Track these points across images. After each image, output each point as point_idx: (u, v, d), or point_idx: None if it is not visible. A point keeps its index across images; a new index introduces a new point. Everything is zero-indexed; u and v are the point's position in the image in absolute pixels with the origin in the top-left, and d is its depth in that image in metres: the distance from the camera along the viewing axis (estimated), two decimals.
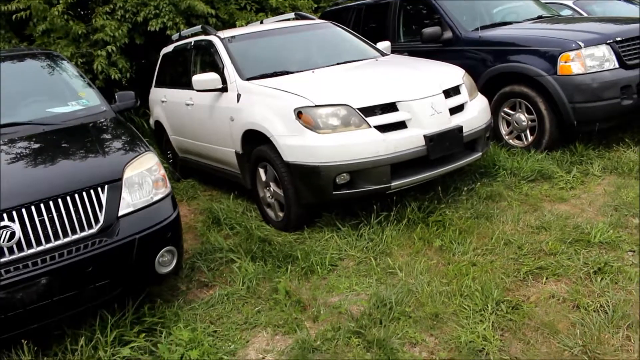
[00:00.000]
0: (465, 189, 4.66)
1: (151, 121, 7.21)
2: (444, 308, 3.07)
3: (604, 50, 5.21)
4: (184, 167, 6.48)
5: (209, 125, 5.32)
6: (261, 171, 4.63)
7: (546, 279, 3.29)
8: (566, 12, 8.36)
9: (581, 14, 8.30)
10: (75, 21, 7.81)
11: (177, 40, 6.83)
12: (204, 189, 6.10)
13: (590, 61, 5.17)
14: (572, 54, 5.18)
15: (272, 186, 4.51)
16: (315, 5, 9.88)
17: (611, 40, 5.25)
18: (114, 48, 7.64)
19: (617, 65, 5.21)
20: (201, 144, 5.62)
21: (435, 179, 4.44)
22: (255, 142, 4.60)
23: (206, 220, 4.93)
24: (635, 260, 3.38)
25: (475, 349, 2.71)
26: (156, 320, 3.30)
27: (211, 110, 5.21)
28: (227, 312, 3.41)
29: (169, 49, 6.84)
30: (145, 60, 9.21)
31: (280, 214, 4.53)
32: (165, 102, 6.51)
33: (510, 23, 6.39)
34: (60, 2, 7.46)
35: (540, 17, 6.65)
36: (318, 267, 3.72)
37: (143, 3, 8.09)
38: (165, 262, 3.35)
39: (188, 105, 5.73)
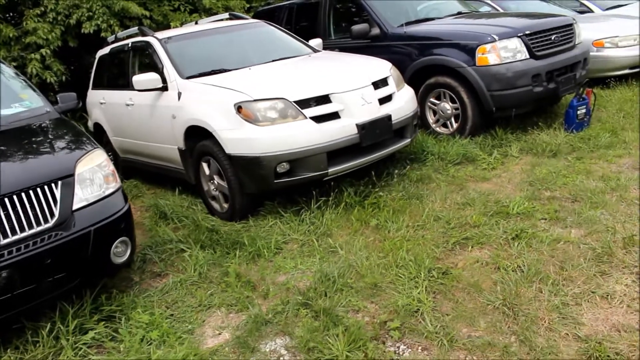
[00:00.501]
0: (397, 173, 5.03)
1: (90, 124, 7.23)
2: (382, 278, 3.39)
3: (516, 43, 5.70)
4: (125, 167, 6.56)
5: (150, 124, 5.47)
6: (204, 165, 4.84)
7: (471, 247, 3.67)
8: (485, 9, 8.91)
9: (497, 10, 8.86)
10: (4, 24, 7.74)
11: (112, 42, 6.91)
12: (147, 187, 6.23)
13: (504, 52, 5.65)
14: (488, 46, 5.64)
15: (216, 179, 4.73)
16: (248, 6, 10.09)
17: (522, 34, 5.75)
18: (48, 51, 7.64)
19: (527, 56, 5.72)
20: (143, 143, 5.75)
21: (368, 164, 4.77)
22: (197, 137, 4.80)
23: (153, 216, 5.09)
24: (546, 225, 3.82)
25: (412, 310, 3.04)
26: (114, 309, 3.46)
27: (152, 109, 5.36)
28: (181, 297, 3.61)
29: (105, 51, 6.90)
30: (79, 63, 9.18)
31: (225, 205, 4.75)
32: (104, 103, 6.58)
33: (433, 19, 6.82)
34: None
35: (459, 13, 7.13)
36: (265, 250, 3.97)
37: (75, 5, 8.12)
38: (119, 252, 3.52)
39: (128, 105, 5.84)
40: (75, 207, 3.35)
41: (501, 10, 8.84)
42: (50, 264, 3.16)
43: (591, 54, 6.96)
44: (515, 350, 2.64)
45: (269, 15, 8.16)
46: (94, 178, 3.52)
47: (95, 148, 3.73)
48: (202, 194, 5.05)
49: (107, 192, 3.55)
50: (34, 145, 3.74)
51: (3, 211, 3.10)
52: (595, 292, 3.00)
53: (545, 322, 2.81)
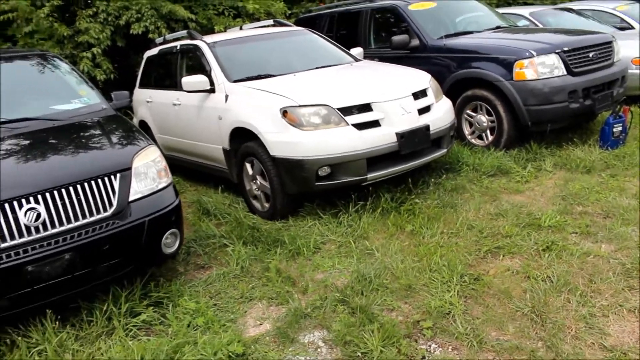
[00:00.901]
0: (433, 181, 5.20)
1: (135, 121, 7.53)
2: (416, 281, 3.56)
3: (553, 59, 5.82)
4: (169, 164, 6.78)
5: (196, 124, 5.72)
6: (248, 166, 5.07)
7: (503, 256, 3.83)
8: (523, 23, 9.01)
9: (536, 25, 8.95)
10: (59, 23, 8.10)
11: (161, 44, 7.19)
12: (189, 184, 6.48)
13: (542, 68, 5.77)
14: (525, 61, 5.77)
15: (259, 179, 4.95)
16: (289, 12, 10.32)
17: (560, 50, 5.86)
18: (98, 50, 7.96)
19: (565, 73, 5.84)
20: (188, 142, 6.00)
21: (406, 172, 4.95)
22: (242, 139, 5.03)
23: (196, 212, 5.33)
24: (577, 239, 3.94)
25: (444, 312, 3.21)
26: (162, 295, 3.69)
27: (199, 110, 5.62)
28: (224, 289, 3.83)
29: (153, 52, 7.19)
30: (125, 62, 9.51)
31: (266, 205, 4.97)
32: (150, 102, 6.86)
33: (471, 32, 6.96)
34: (46, 5, 7.74)
35: (498, 27, 7.26)
36: (304, 249, 4.17)
37: (125, 7, 8.43)
38: (169, 243, 3.76)
39: (175, 105, 6.11)
40: (131, 198, 3.59)
41: (540, 26, 8.92)
42: (107, 250, 3.41)
43: (630, 71, 7.04)
44: (542, 355, 2.79)
45: (310, 23, 8.38)
46: (148, 172, 3.76)
47: (149, 144, 3.98)
48: (243, 193, 5.28)
49: (160, 186, 3.79)
50: (95, 140, 4.01)
51: (68, 199, 3.36)
52: (623, 305, 3.13)
53: (572, 330, 2.95)
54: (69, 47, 8.17)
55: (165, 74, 6.82)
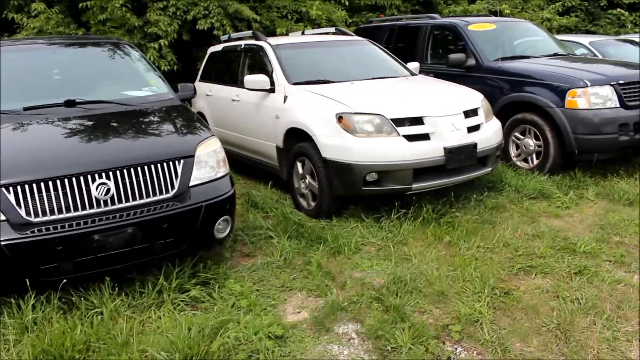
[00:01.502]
0: (474, 198, 5.36)
1: None
2: (448, 288, 3.75)
3: (607, 91, 5.91)
4: None
5: (253, 120, 6.02)
6: (299, 165, 5.33)
7: (535, 275, 3.98)
8: (581, 51, 9.04)
9: (596, 55, 8.97)
10: (131, 13, 8.55)
11: (225, 42, 7.54)
12: (240, 177, 6.77)
13: (594, 99, 5.87)
14: (579, 90, 5.88)
15: (308, 178, 5.21)
16: (350, 20, 10.58)
17: (615, 82, 5.95)
18: (165, 42, 8.37)
19: (617, 105, 5.91)
20: (243, 137, 6.31)
21: (449, 186, 5.13)
22: (296, 139, 5.30)
23: (244, 204, 5.61)
24: (610, 267, 4.06)
25: (472, 320, 3.39)
26: (209, 276, 3.97)
27: (257, 107, 5.92)
28: (267, 277, 4.08)
29: (217, 48, 7.54)
30: (187, 55, 9.92)
31: (312, 204, 5.22)
32: (210, 95, 7.21)
33: (528, 57, 7.07)
34: None
35: (555, 54, 7.35)
36: (345, 248, 4.40)
37: (193, 3, 8.84)
38: (221, 229, 4.04)
39: (234, 101, 6.44)
40: (191, 183, 3.88)
41: (599, 56, 8.94)
42: (165, 229, 3.70)
43: None
44: None
45: (370, 33, 8.60)
46: (208, 161, 4.05)
47: (212, 135, 4.27)
48: (292, 190, 5.54)
49: (218, 175, 4.08)
50: (162, 126, 4.34)
51: (135, 178, 3.67)
52: None
53: (594, 350, 3.09)
54: (137, 37, 8.61)
55: (226, 71, 7.15)
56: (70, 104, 4.37)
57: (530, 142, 6.30)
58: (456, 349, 3.16)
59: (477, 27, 7.30)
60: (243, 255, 4.53)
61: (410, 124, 4.80)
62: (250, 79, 5.69)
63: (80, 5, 8.22)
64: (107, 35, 8.36)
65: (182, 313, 3.54)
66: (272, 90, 5.68)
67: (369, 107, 4.84)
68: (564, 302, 3.56)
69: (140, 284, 3.82)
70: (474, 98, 5.41)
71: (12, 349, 3.17)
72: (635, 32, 14.64)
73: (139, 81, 5.17)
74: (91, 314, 3.44)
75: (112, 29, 8.64)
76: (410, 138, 4.75)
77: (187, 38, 9.14)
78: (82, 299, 3.56)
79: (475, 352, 3.13)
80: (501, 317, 3.44)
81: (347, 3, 10.53)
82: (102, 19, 8.36)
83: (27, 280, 3.36)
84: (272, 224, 4.97)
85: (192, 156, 3.95)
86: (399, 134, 4.73)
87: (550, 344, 3.15)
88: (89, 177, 3.54)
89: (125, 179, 3.64)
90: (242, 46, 6.74)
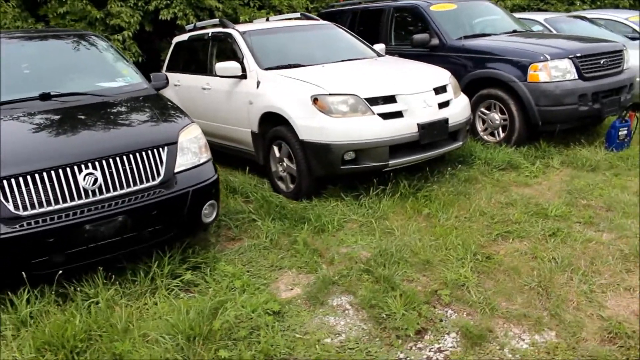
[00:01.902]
0: (448, 171, 5.55)
1: None
2: (433, 256, 3.92)
3: (566, 64, 6.18)
4: None
5: (226, 107, 6.07)
6: (275, 149, 5.42)
7: (512, 239, 4.19)
8: (537, 28, 9.32)
9: (550, 31, 9.27)
10: (91, 5, 8.43)
11: (190, 31, 7.51)
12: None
13: (555, 72, 6.12)
14: (540, 64, 6.12)
15: (286, 161, 5.30)
16: (312, 6, 10.65)
17: (573, 56, 6.21)
18: (129, 34, 8.28)
19: (576, 77, 6.20)
20: (216, 125, 6.34)
21: (423, 161, 5.31)
22: (271, 123, 5.38)
23: (223, 190, 5.63)
24: (580, 228, 4.30)
25: (459, 284, 3.56)
26: (200, 261, 4.04)
27: (229, 94, 5.97)
28: (255, 258, 4.17)
29: (183, 37, 7.51)
30: (149, 46, 9.83)
31: (291, 186, 5.32)
32: (178, 86, 7.19)
33: (489, 35, 7.29)
34: None
35: (514, 31, 7.59)
36: (329, 226, 4.53)
37: None
38: (207, 214, 4.10)
39: (204, 89, 6.46)
40: (176, 170, 3.94)
41: (554, 32, 9.24)
42: (154, 215, 3.76)
43: (638, 79, 7.36)
44: (547, 322, 3.14)
45: (332, 17, 8.65)
46: (191, 147, 4.11)
47: (192, 122, 4.33)
48: (269, 174, 5.63)
49: (202, 161, 4.15)
50: (143, 115, 4.37)
51: (121, 167, 3.71)
52: (620, 284, 3.48)
53: (574, 303, 3.30)
54: (99, 29, 8.48)
55: (194, 60, 7.15)
56: (45, 97, 4.34)
57: (496, 117, 6.53)
58: (447, 311, 3.32)
59: (439, 7, 7.48)
60: (229, 240, 4.60)
61: (383, 103, 4.94)
62: (221, 66, 5.73)
63: None
64: (67, 28, 8.22)
65: (177, 298, 3.61)
66: (243, 76, 5.73)
67: (343, 88, 4.96)
68: (542, 262, 3.77)
69: (131, 272, 3.86)
70: (442, 75, 5.58)
71: (10, 344, 3.18)
72: (584, 9, 15.11)
73: (112, 72, 5.16)
74: (87, 304, 3.47)
75: (72, 22, 8.49)
76: (385, 116, 4.89)
77: (149, 29, 9.06)
78: (76, 290, 3.58)
79: (465, 313, 3.30)
80: (485, 280, 3.63)
81: None
82: (62, 12, 8.20)
83: (22, 273, 3.36)
84: (253, 207, 5.05)
85: (175, 143, 4.00)
86: (373, 113, 4.87)
87: (533, 301, 3.35)
88: (76, 167, 3.56)
89: (111, 168, 3.68)
90: (210, 34, 6.75)
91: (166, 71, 7.73)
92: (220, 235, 4.67)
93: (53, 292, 3.53)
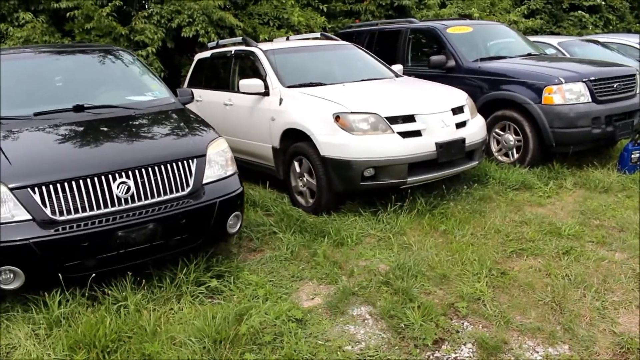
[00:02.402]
0: (463, 189, 5.69)
1: None
2: (449, 271, 4.05)
3: (580, 87, 6.32)
4: None
5: (248, 123, 6.25)
6: (296, 164, 5.58)
7: (526, 256, 4.32)
8: (551, 51, 9.49)
9: (564, 54, 9.44)
10: (117, 22, 8.69)
11: (212, 48, 7.74)
12: None
13: (569, 95, 6.27)
14: (554, 87, 6.27)
15: (306, 176, 5.46)
16: (329, 25, 10.89)
17: (586, 79, 6.37)
18: (153, 50, 8.53)
19: (590, 100, 6.34)
20: (237, 140, 6.51)
21: (440, 179, 5.45)
22: (292, 139, 5.55)
23: (244, 203, 5.81)
24: (593, 247, 4.42)
25: (475, 297, 3.69)
26: (223, 269, 4.19)
27: (251, 110, 6.15)
28: (277, 269, 4.31)
29: (205, 54, 7.74)
30: (170, 62, 10.08)
31: (311, 201, 5.47)
32: (200, 101, 7.39)
33: (504, 57, 7.46)
34: (109, 5, 8.34)
35: (529, 54, 7.76)
36: (348, 239, 4.67)
37: (177, 11, 9.02)
38: (232, 224, 4.26)
39: (227, 105, 6.65)
40: (204, 181, 4.11)
41: (567, 55, 9.41)
42: (183, 224, 3.91)
43: None
44: (560, 336, 3.26)
45: (349, 38, 8.89)
46: (218, 160, 4.28)
47: (219, 136, 4.50)
48: (289, 188, 5.78)
49: (228, 174, 4.32)
50: (173, 128, 4.54)
51: (153, 177, 3.88)
52: (632, 302, 3.60)
53: (587, 318, 3.42)
54: (123, 45, 8.73)
55: (216, 76, 7.35)
56: (78, 109, 4.54)
57: (511, 137, 6.67)
58: (463, 323, 3.45)
59: (455, 30, 7.67)
60: (250, 251, 4.75)
61: (403, 122, 5.10)
62: (244, 83, 5.92)
63: (67, 14, 8.31)
64: (93, 43, 8.48)
65: (202, 304, 3.75)
66: (266, 93, 5.91)
67: (364, 107, 5.13)
68: (555, 278, 3.89)
69: (157, 278, 4.02)
70: (459, 96, 5.75)
71: (43, 342, 3.34)
72: (597, 33, 15.30)
73: (141, 87, 5.36)
74: (117, 307, 3.62)
75: (97, 37, 8.75)
76: (404, 135, 5.05)
77: (171, 45, 9.30)
78: (105, 294, 3.74)
79: (480, 325, 3.42)
80: (500, 295, 3.75)
81: (325, 9, 10.84)
82: (88, 27, 8.46)
83: (59, 275, 3.53)
84: (274, 220, 5.20)
85: (204, 155, 4.18)
86: (393, 131, 5.03)
87: (547, 315, 3.47)
88: (110, 176, 3.73)
89: (143, 178, 3.85)
90: (232, 52, 6.95)
91: (187, 87, 7.96)
92: (241, 247, 4.82)
93: (86, 295, 3.68)
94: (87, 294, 3.75)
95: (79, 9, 8.28)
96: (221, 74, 7.20)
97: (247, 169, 6.68)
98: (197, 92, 7.49)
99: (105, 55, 5.61)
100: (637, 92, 6.92)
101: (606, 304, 3.57)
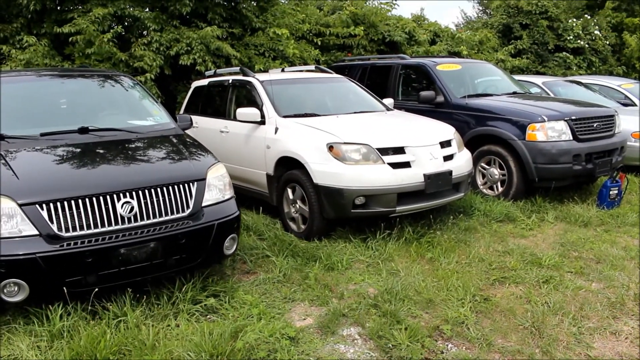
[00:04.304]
0: (450, 220, 5.92)
1: None
2: (435, 296, 4.25)
3: (562, 125, 6.64)
4: None
5: (243, 150, 6.47)
6: (289, 191, 5.79)
7: (508, 284, 4.53)
8: (535, 90, 9.87)
9: (548, 94, 9.82)
10: (117, 48, 8.93)
11: (210, 76, 7.98)
12: None
13: (551, 132, 6.58)
14: (537, 125, 6.58)
15: (299, 203, 5.66)
16: (322, 58, 11.22)
17: (568, 118, 6.69)
18: (151, 76, 8.76)
19: (571, 138, 6.66)
20: (232, 166, 6.70)
21: (428, 209, 5.68)
22: (286, 167, 5.77)
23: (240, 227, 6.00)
24: (572, 277, 4.65)
25: (459, 321, 3.89)
26: (219, 289, 4.36)
27: (247, 138, 6.38)
28: (269, 290, 4.48)
29: (202, 82, 7.97)
30: (166, 89, 10.31)
31: (302, 226, 5.67)
32: (196, 127, 7.58)
33: (490, 95, 7.78)
34: (111, 31, 8.60)
35: (515, 92, 8.10)
36: (339, 264, 4.86)
37: (176, 39, 9.28)
38: (228, 246, 4.44)
39: (222, 132, 6.88)
40: (204, 204, 4.30)
41: (551, 94, 9.78)
42: (182, 244, 4.08)
43: (629, 143, 7.87)
44: (539, 358, 3.46)
45: (342, 71, 9.18)
46: (217, 184, 4.48)
47: (218, 161, 4.71)
48: (281, 214, 5.98)
49: (226, 197, 4.51)
50: (174, 152, 4.74)
51: (155, 198, 4.07)
52: (607, 328, 3.81)
53: (564, 342, 3.62)
54: (122, 70, 8.95)
55: (213, 103, 7.58)
56: (83, 130, 4.73)
57: (495, 171, 6.95)
58: (447, 345, 3.64)
59: (445, 67, 8.00)
60: (244, 272, 4.92)
61: (393, 153, 5.34)
62: (242, 111, 6.15)
63: (70, 39, 8.54)
64: (94, 67, 8.68)
65: (198, 322, 3.91)
66: (262, 122, 6.14)
67: (357, 138, 5.37)
68: (535, 305, 4.11)
69: (155, 296, 4.17)
70: (447, 130, 6.02)
71: (44, 353, 3.47)
72: (580, 74, 15.84)
73: (143, 111, 5.58)
74: (116, 322, 3.77)
75: (96, 62, 8.97)
76: (394, 165, 5.29)
77: (168, 72, 9.54)
78: (105, 309, 3.88)
79: (464, 347, 3.61)
80: (483, 319, 3.95)
81: (318, 42, 11.19)
82: (89, 52, 8.68)
83: (64, 289, 3.68)
84: (266, 244, 5.38)
85: (204, 179, 4.37)
86: (384, 162, 5.27)
87: (527, 339, 3.67)
88: (115, 196, 3.91)
89: (146, 199, 4.03)
90: (230, 81, 7.19)
91: (184, 113, 8.17)
92: (235, 269, 4.99)
93: (88, 309, 3.83)
94: (88, 309, 3.89)
95: (81, 34, 8.50)
96: (218, 102, 7.43)
97: (241, 194, 6.87)
98: (194, 119, 7.70)
99: (108, 79, 5.81)
100: (616, 132, 7.25)
101: (582, 330, 3.78)
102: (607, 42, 17.86)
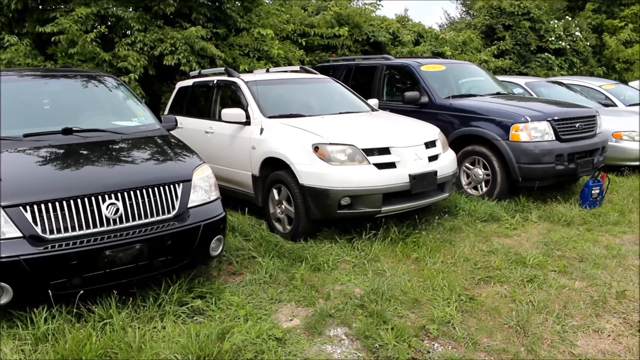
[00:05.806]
0: (435, 220, 5.96)
1: None
2: (421, 296, 4.27)
3: (545, 126, 6.71)
4: None
5: (228, 151, 6.45)
6: (275, 191, 5.79)
7: (493, 283, 4.57)
8: (518, 91, 9.96)
9: (531, 94, 9.92)
10: (100, 48, 8.87)
11: (194, 77, 7.95)
12: None
13: (534, 132, 6.65)
14: (521, 125, 6.65)
15: (284, 204, 5.67)
16: (307, 59, 11.23)
17: (551, 119, 6.76)
18: (135, 76, 8.71)
19: (554, 138, 6.73)
20: (217, 167, 6.66)
21: (413, 209, 5.71)
22: (271, 168, 5.77)
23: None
24: (555, 276, 4.71)
25: (445, 321, 3.91)
26: (205, 291, 4.34)
27: (232, 139, 6.36)
28: (256, 291, 4.48)
29: (187, 83, 7.93)
30: (149, 89, 10.26)
31: (288, 227, 5.67)
32: (181, 128, 7.54)
33: (474, 95, 7.84)
34: (94, 31, 8.54)
35: (498, 93, 8.17)
36: (325, 265, 4.87)
37: (160, 39, 9.24)
38: (214, 247, 4.43)
39: (207, 133, 6.85)
40: (190, 205, 4.29)
41: (534, 95, 9.88)
42: (168, 245, 4.07)
43: (610, 143, 7.99)
44: (524, 357, 3.50)
45: (326, 71, 9.21)
46: (203, 185, 4.46)
47: (204, 162, 4.69)
48: (267, 215, 5.98)
49: (212, 198, 4.50)
50: (160, 153, 4.71)
51: (140, 199, 4.04)
52: (590, 326, 3.86)
53: (548, 341, 3.67)
54: (105, 70, 8.89)
55: (197, 104, 7.55)
56: (67, 131, 4.69)
57: (480, 172, 7.00)
58: (434, 344, 3.66)
59: (429, 67, 8.05)
60: (230, 274, 4.91)
61: (379, 154, 5.37)
62: (227, 112, 6.13)
63: (52, 38, 8.46)
64: (75, 67, 8.61)
65: (184, 323, 3.89)
66: (247, 123, 6.14)
67: (342, 138, 5.39)
68: (520, 304, 4.15)
69: (141, 298, 4.15)
70: (432, 131, 6.05)
71: (29, 356, 3.44)
72: (562, 74, 16.03)
73: (127, 112, 5.54)
74: (102, 325, 3.74)
75: (79, 62, 8.89)
76: (379, 166, 5.31)
77: (152, 73, 9.49)
78: (90, 311, 3.85)
79: (450, 346, 3.64)
80: (469, 318, 3.98)
81: (303, 43, 11.20)
82: (71, 52, 8.60)
83: (49, 292, 3.64)
84: (252, 245, 5.38)
85: (190, 180, 4.36)
86: (369, 163, 5.29)
87: (512, 338, 3.71)
88: (100, 197, 3.88)
89: (132, 200, 4.00)
90: (215, 82, 7.17)
91: (168, 113, 8.13)
92: (222, 270, 4.98)
93: (73, 312, 3.80)
94: (73, 312, 3.85)
95: (63, 34, 8.43)
96: (202, 102, 7.41)
97: (226, 195, 6.85)
98: (178, 119, 7.68)
99: (92, 80, 5.76)
100: (597, 132, 7.35)
101: (566, 328, 3.82)
102: (588, 43, 18.11)
